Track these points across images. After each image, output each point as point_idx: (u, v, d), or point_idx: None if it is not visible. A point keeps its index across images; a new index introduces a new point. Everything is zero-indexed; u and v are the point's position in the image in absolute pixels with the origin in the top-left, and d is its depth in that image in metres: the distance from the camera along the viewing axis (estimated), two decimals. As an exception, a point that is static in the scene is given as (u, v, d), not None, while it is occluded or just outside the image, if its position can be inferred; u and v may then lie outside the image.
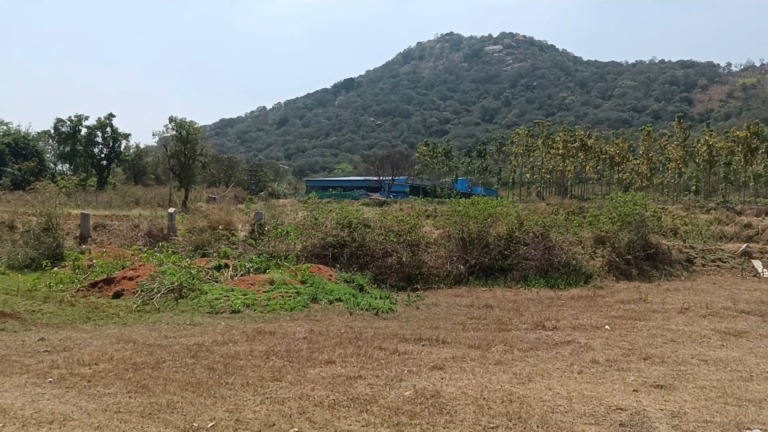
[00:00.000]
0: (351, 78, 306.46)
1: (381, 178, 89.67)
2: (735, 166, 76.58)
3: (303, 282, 15.16)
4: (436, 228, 22.70)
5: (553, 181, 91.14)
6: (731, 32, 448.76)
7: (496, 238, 19.87)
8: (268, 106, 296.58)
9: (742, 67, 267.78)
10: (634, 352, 8.94)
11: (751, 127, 71.99)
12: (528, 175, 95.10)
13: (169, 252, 18.72)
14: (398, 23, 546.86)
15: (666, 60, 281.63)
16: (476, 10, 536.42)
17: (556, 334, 10.44)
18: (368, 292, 16.06)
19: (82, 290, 14.82)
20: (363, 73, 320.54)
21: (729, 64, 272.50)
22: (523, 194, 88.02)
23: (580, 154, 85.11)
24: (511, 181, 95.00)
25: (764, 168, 77.58)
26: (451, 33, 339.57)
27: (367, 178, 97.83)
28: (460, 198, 32.35)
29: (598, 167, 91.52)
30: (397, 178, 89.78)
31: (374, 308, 13.83)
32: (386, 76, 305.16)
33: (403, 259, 18.82)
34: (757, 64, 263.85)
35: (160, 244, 20.19)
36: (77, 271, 16.84)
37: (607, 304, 14.01)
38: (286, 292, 14.13)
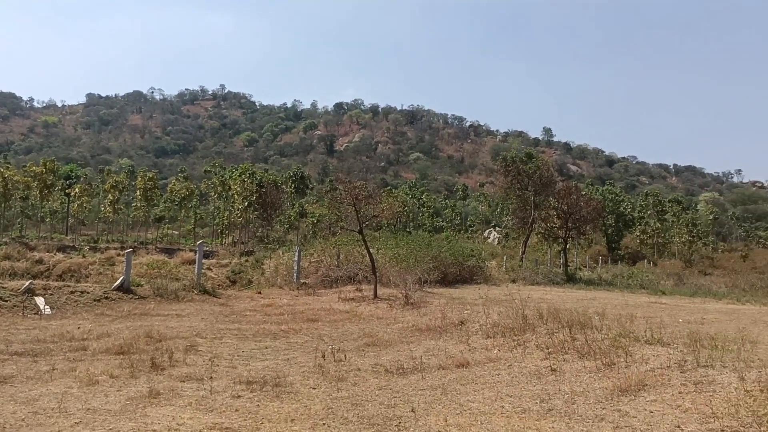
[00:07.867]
0: None
1: None
2: (32, 201, 76.81)
3: None
4: None
5: None
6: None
7: None
8: None
9: (45, 104, 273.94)
10: None
11: (48, 164, 74.64)
12: None
13: None
14: None
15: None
16: None
17: None
18: None
19: None
20: None
21: (32, 99, 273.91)
22: None
23: None
24: None
25: (60, 204, 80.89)
26: None
27: None
28: None
29: None
30: None
31: None
32: None
33: None
34: (59, 105, 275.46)
35: None
36: None
37: None
38: None
